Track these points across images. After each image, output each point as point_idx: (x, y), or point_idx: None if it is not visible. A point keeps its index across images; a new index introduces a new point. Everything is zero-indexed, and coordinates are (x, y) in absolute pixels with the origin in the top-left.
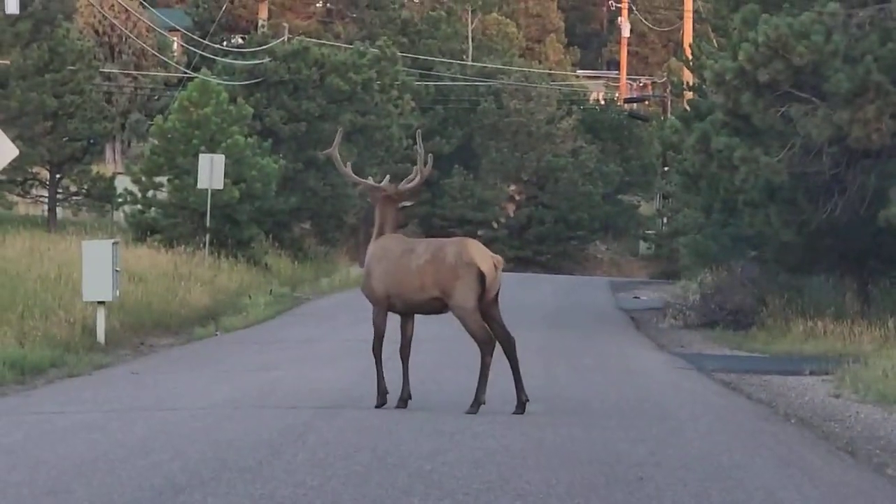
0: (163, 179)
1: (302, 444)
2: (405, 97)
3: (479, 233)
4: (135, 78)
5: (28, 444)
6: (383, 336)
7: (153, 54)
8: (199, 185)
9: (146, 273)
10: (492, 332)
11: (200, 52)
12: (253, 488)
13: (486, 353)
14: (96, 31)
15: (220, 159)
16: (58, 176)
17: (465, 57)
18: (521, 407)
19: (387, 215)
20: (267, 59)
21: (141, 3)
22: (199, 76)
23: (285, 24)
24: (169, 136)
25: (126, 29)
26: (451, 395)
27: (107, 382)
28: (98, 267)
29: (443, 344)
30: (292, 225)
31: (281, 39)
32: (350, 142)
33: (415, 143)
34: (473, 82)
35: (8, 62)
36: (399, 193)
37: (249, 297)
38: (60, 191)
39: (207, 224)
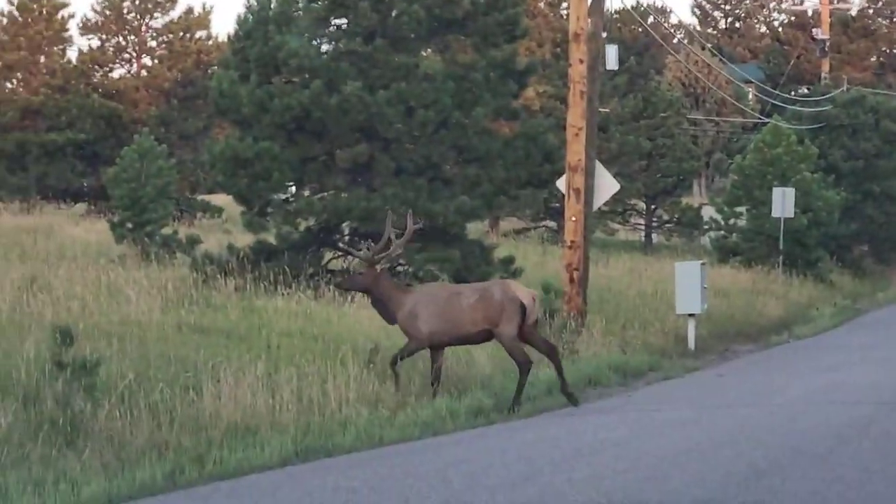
0: (742, 209)
1: (866, 435)
2: None
3: None
4: (716, 123)
5: (631, 438)
6: (406, 358)
7: (732, 103)
8: (773, 214)
9: (729, 289)
10: (538, 349)
11: (772, 101)
12: (824, 473)
13: (524, 373)
14: (683, 84)
15: (790, 192)
16: (653, 207)
17: None
18: (516, 405)
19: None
20: (829, 107)
21: (720, 59)
22: (772, 121)
23: (844, 76)
24: (746, 172)
25: (708, 81)
26: None
27: (696, 383)
28: (689, 284)
29: None
30: (852, 247)
31: (840, 89)
32: None
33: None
34: None
35: (608, 110)
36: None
37: (817, 308)
38: (655, 219)
39: (780, 247)
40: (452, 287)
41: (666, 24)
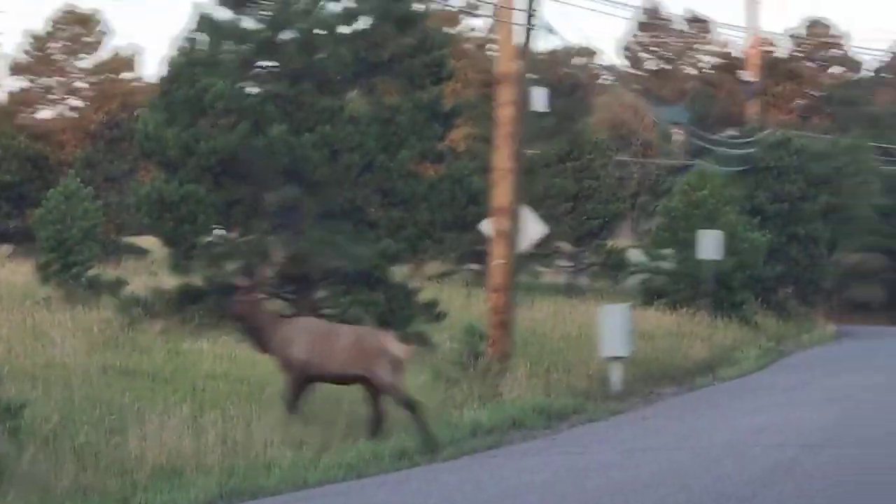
0: (668, 252)
1: (790, 477)
2: (872, 180)
3: None
4: (643, 165)
5: (555, 481)
6: (294, 399)
7: (658, 145)
8: (699, 257)
9: (653, 331)
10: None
11: (698, 143)
12: None
13: (416, 413)
14: (610, 125)
15: (717, 234)
16: (578, 249)
17: None
18: (431, 446)
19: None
20: (755, 149)
21: (647, 101)
22: (698, 163)
23: (770, 119)
24: (673, 214)
25: (635, 123)
26: None
27: (621, 426)
28: (614, 327)
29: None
30: (777, 289)
31: (767, 132)
32: (826, 220)
33: None
34: None
35: (535, 152)
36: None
37: (742, 350)
38: (582, 262)
39: (701, 287)
40: (331, 325)
41: (594, 66)
